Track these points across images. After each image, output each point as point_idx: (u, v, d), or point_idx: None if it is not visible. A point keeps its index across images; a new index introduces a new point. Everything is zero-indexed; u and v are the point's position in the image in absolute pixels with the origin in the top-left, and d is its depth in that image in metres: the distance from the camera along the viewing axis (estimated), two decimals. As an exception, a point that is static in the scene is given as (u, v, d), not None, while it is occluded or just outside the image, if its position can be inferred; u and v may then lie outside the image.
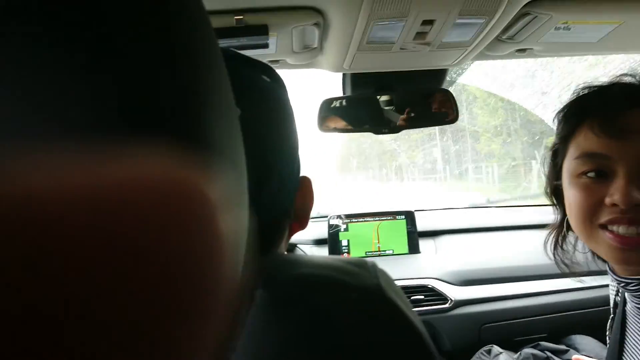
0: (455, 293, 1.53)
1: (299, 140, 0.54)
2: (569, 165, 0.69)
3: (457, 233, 1.82)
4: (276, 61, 1.10)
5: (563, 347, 1.44)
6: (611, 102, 0.64)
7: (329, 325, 0.34)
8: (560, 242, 0.81)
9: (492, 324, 1.55)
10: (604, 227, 0.63)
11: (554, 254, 0.81)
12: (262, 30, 0.85)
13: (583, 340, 1.44)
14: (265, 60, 1.12)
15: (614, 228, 0.62)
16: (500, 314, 1.55)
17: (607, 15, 0.88)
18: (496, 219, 1.93)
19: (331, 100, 1.25)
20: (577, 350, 1.42)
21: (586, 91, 0.71)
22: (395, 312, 0.35)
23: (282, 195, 0.46)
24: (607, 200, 0.62)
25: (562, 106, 0.74)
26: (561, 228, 0.80)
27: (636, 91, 0.65)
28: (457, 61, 1.07)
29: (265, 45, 0.91)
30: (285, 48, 0.99)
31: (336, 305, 0.35)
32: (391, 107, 1.24)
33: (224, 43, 0.86)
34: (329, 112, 1.25)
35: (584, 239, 0.70)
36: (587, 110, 0.67)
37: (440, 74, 1.23)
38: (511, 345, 1.46)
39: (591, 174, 0.65)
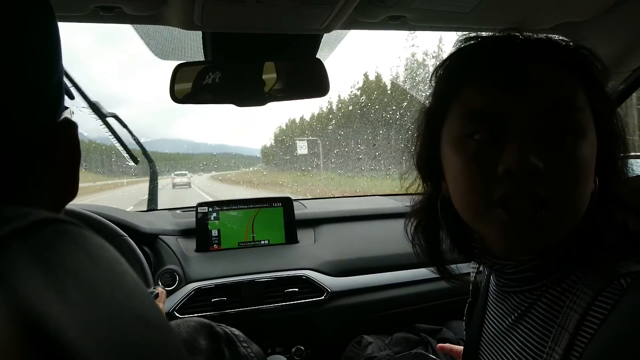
0: (332, 284, 1.44)
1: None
2: (451, 128, 0.56)
3: (339, 222, 1.73)
4: (109, 8, 0.89)
5: (437, 327, 1.43)
6: (505, 53, 0.52)
7: None
8: (427, 224, 0.67)
9: (372, 315, 1.48)
10: (497, 204, 0.50)
11: (413, 238, 0.68)
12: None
13: (459, 325, 1.43)
14: (93, 7, 0.91)
15: (511, 204, 0.49)
16: (379, 304, 1.49)
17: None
18: (378, 206, 1.88)
19: (186, 66, 1.06)
20: (452, 331, 1.42)
21: (471, 42, 0.57)
22: None
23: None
24: (500, 169, 0.49)
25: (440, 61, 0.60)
26: (429, 207, 0.66)
27: (534, 43, 0.53)
28: (325, 24, 0.95)
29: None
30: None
31: None
32: (257, 76, 1.09)
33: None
34: (184, 80, 1.07)
35: (471, 219, 0.56)
36: (475, 61, 0.55)
37: (313, 42, 1.10)
38: (387, 332, 1.42)
39: (478, 137, 0.52)
